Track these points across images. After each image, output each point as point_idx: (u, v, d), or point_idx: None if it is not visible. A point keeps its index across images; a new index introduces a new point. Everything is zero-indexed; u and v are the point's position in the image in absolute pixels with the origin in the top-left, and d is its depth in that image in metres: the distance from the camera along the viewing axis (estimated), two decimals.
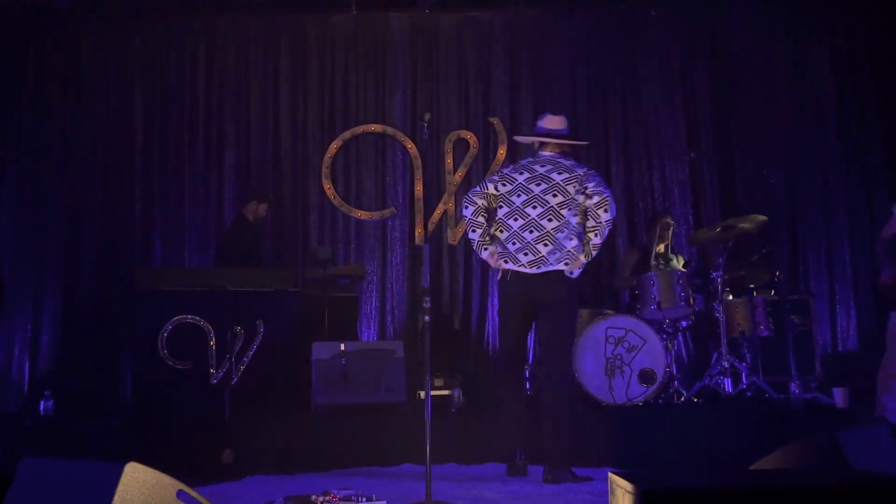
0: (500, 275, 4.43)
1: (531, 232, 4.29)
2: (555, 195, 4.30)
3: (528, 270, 4.26)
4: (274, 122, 7.60)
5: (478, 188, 4.52)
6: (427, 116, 4.09)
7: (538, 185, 4.34)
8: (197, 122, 7.52)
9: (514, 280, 4.31)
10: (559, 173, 4.36)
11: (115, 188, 7.33)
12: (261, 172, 7.50)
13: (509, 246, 4.32)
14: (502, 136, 7.66)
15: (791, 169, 7.52)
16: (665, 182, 7.60)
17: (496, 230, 4.42)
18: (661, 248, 6.36)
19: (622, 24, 7.79)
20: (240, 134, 7.53)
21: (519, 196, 4.35)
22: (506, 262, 4.32)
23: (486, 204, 4.47)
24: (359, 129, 7.64)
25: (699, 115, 7.68)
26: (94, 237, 7.21)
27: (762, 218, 6.25)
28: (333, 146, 7.56)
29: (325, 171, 7.52)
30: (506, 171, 4.52)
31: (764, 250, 5.97)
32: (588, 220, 4.31)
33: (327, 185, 7.50)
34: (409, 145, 7.63)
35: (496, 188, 4.43)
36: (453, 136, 7.67)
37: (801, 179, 7.46)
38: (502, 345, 4.59)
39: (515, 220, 4.34)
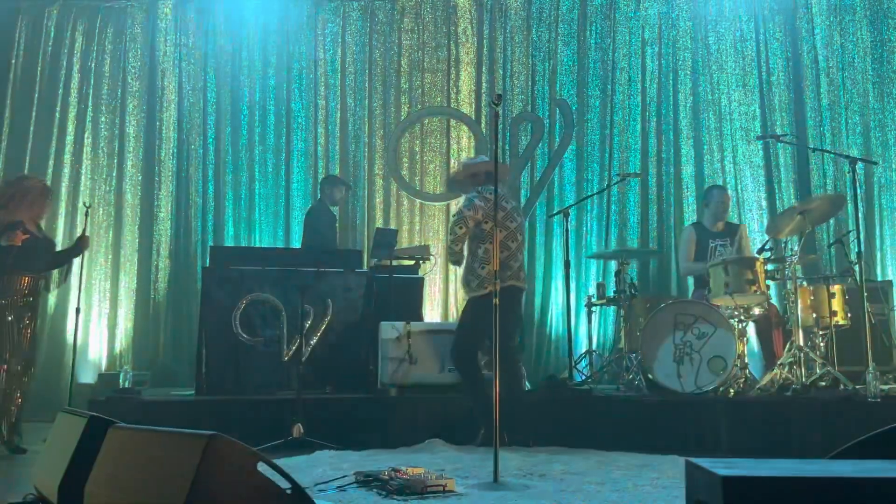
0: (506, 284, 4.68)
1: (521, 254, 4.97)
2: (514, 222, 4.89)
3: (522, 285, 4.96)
4: (341, 104, 7.67)
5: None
6: (497, 99, 4.06)
7: (514, 216, 4.91)
8: (267, 105, 7.64)
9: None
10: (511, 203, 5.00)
11: (188, 170, 7.52)
12: (328, 154, 7.60)
13: (512, 263, 4.79)
14: (569, 119, 7.58)
15: (870, 152, 7.25)
16: (737, 164, 7.42)
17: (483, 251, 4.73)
18: (720, 225, 6.20)
19: (694, 3, 7.60)
20: (308, 116, 7.63)
21: (512, 221, 4.84)
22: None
23: None
24: (424, 111, 7.67)
25: (774, 98, 7.46)
26: (167, 218, 7.42)
27: (840, 202, 6.05)
28: (399, 127, 7.62)
29: (390, 152, 7.58)
30: (489, 199, 4.55)
31: (841, 236, 5.77)
32: None
33: (392, 167, 7.56)
34: (474, 127, 7.63)
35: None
36: (519, 117, 7.63)
37: (880, 163, 7.19)
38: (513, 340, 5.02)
39: (513, 241, 4.82)
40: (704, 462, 1.99)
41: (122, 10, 7.69)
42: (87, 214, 5.52)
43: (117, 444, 2.57)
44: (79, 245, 5.27)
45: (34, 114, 7.42)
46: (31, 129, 7.39)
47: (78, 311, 5.43)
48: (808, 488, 1.69)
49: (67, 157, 7.41)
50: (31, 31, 7.59)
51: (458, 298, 7.38)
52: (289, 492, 2.41)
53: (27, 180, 5.27)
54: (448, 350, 5.09)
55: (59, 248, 5.73)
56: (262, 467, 2.37)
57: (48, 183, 7.01)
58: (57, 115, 7.45)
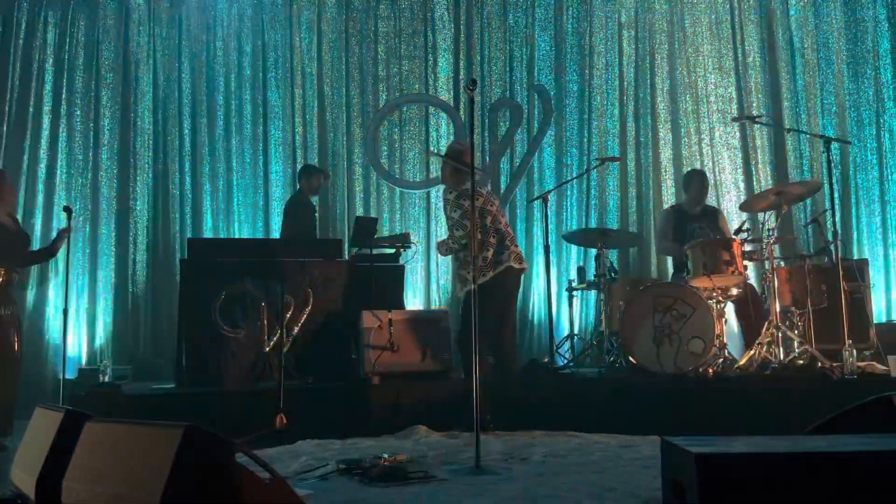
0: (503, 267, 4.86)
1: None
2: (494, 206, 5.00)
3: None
4: (318, 92, 7.61)
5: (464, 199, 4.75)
6: (472, 84, 4.04)
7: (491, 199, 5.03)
8: (243, 95, 7.56)
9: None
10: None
11: (164, 162, 7.44)
12: (306, 143, 7.55)
13: (507, 243, 4.92)
14: (548, 104, 7.58)
15: (845, 132, 7.32)
16: (714, 147, 7.46)
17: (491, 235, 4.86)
18: (699, 209, 6.25)
19: None
20: (285, 105, 7.57)
21: (492, 205, 4.95)
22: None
23: None
24: (403, 98, 7.63)
25: (750, 80, 7.50)
26: (144, 210, 7.33)
27: (817, 183, 6.10)
28: (377, 115, 7.58)
29: (369, 141, 7.55)
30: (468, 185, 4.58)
31: (818, 216, 5.82)
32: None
33: (372, 155, 7.53)
34: (453, 114, 7.60)
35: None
36: (498, 103, 7.62)
37: (855, 142, 7.26)
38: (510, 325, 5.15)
39: (499, 223, 4.93)
40: (680, 440, 2.01)
41: (94, 1, 7.56)
42: (69, 217, 5.46)
43: (94, 437, 2.55)
44: (56, 241, 5.22)
45: (7, 108, 7.29)
46: (5, 124, 7.26)
47: (66, 311, 5.36)
48: (778, 463, 1.72)
49: (43, 152, 7.30)
50: (2, 24, 7.46)
51: (439, 286, 7.39)
52: (268, 481, 2.41)
53: None
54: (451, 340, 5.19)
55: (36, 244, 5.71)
56: (241, 458, 2.36)
57: (22, 176, 6.96)
58: (31, 108, 7.33)
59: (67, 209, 5.43)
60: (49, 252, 5.43)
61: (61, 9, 7.53)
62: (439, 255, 5.82)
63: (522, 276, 5.22)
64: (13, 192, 5.44)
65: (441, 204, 5.36)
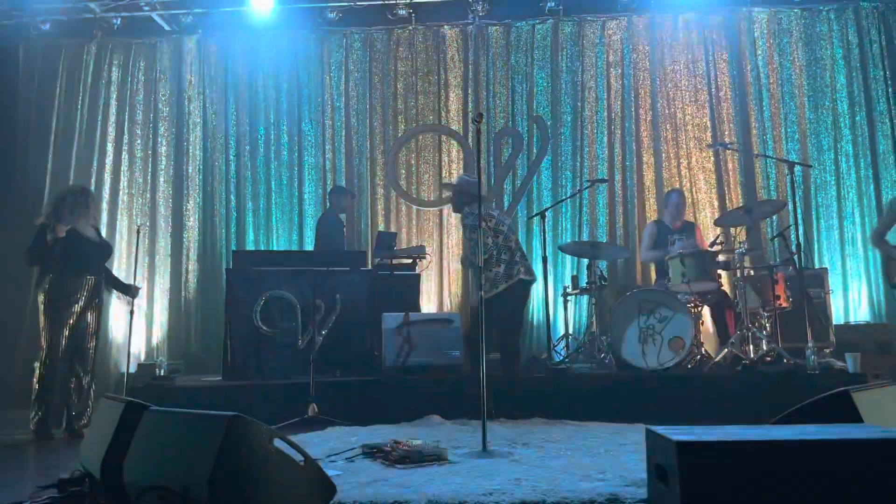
0: (514, 280, 4.76)
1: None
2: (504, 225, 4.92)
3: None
4: (346, 123, 7.65)
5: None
6: (478, 117, 4.05)
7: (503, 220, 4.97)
8: (281, 126, 7.62)
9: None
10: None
11: (213, 184, 7.50)
12: (335, 168, 7.58)
13: (517, 259, 4.83)
14: (545, 133, 7.58)
15: (806, 156, 7.27)
16: (691, 170, 7.43)
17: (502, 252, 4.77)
18: (678, 224, 6.22)
19: (652, 29, 7.59)
20: (317, 135, 7.61)
21: (503, 225, 4.87)
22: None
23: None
24: (419, 128, 7.66)
25: (723, 111, 7.47)
26: (195, 227, 7.39)
27: (782, 201, 6.07)
28: (397, 143, 7.61)
29: (389, 165, 7.57)
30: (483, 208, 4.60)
31: (783, 230, 5.79)
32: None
33: (391, 178, 7.55)
34: (463, 142, 7.61)
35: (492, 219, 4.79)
36: (501, 132, 7.62)
37: (815, 166, 7.21)
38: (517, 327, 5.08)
39: (510, 241, 4.84)
40: (662, 429, 2.00)
41: (151, 46, 7.66)
42: (138, 233, 5.57)
43: (151, 425, 2.56)
44: (128, 289, 5.17)
45: (76, 137, 7.39)
46: (74, 151, 7.36)
47: (131, 313, 5.39)
48: (750, 450, 1.71)
49: (107, 176, 7.39)
50: (72, 64, 7.57)
51: (451, 292, 7.38)
52: (302, 463, 2.41)
53: (67, 191, 5.04)
54: (450, 339, 5.13)
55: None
56: (278, 443, 2.36)
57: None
58: (97, 138, 7.42)
59: (138, 230, 5.61)
60: (117, 286, 5.30)
61: (123, 52, 7.63)
62: (462, 267, 5.82)
63: (531, 285, 5.16)
64: (97, 208, 5.47)
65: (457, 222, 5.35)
